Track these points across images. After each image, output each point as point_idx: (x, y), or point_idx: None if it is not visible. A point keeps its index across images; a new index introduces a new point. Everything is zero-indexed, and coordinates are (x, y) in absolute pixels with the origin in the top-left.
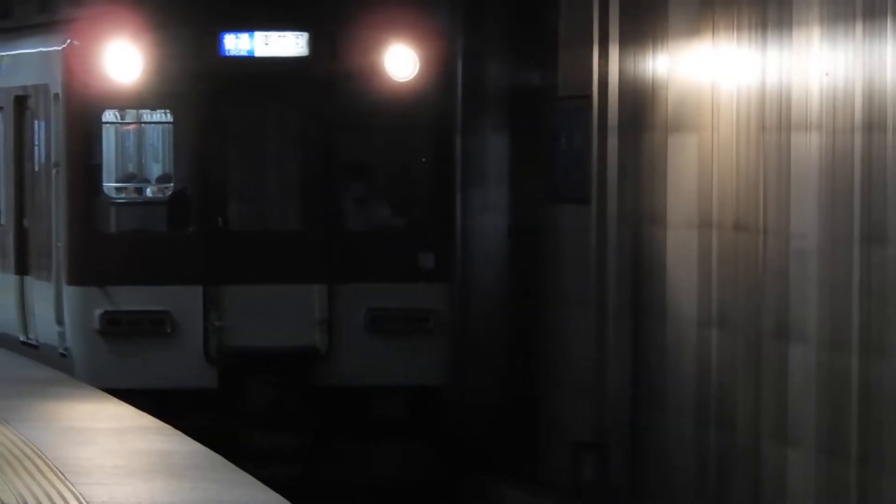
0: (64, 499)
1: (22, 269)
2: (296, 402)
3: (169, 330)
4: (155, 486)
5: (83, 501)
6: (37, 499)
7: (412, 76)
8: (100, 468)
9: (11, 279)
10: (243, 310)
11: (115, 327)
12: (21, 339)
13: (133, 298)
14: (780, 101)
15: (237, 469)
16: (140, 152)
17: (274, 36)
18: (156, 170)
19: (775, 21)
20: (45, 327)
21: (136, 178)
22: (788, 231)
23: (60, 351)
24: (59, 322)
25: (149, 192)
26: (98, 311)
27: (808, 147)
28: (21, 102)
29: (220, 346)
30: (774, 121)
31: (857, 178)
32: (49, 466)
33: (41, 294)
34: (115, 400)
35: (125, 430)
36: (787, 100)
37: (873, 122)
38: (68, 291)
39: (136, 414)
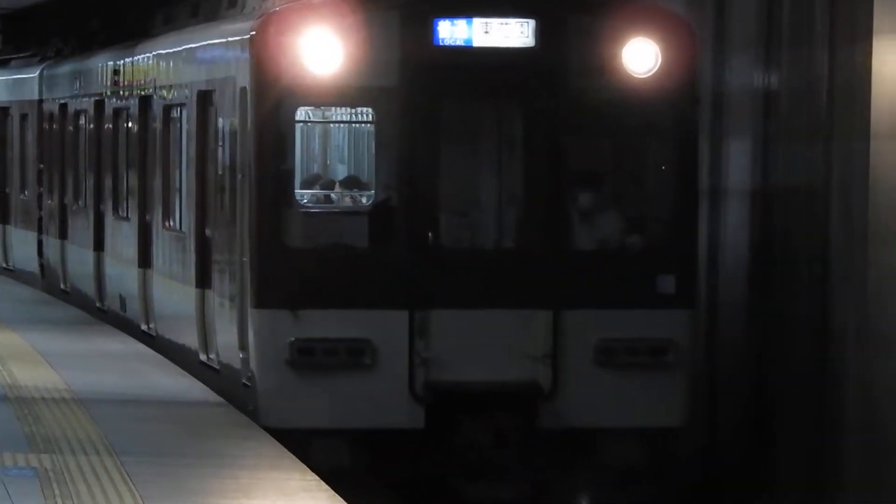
0: None
1: (203, 282)
2: (514, 447)
3: (369, 361)
4: None
5: None
6: None
7: (653, 72)
8: None
9: (192, 293)
10: (455, 339)
11: (308, 357)
12: (201, 358)
13: (328, 324)
14: None
15: None
16: (333, 155)
17: (495, 23)
18: (344, 173)
19: None
20: (227, 349)
21: (322, 182)
22: None
23: (243, 381)
24: (243, 347)
25: (347, 200)
26: (288, 339)
27: None
28: (205, 98)
29: (427, 380)
30: None
31: None
32: None
33: (223, 312)
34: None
35: None
36: None
37: None
38: (254, 314)
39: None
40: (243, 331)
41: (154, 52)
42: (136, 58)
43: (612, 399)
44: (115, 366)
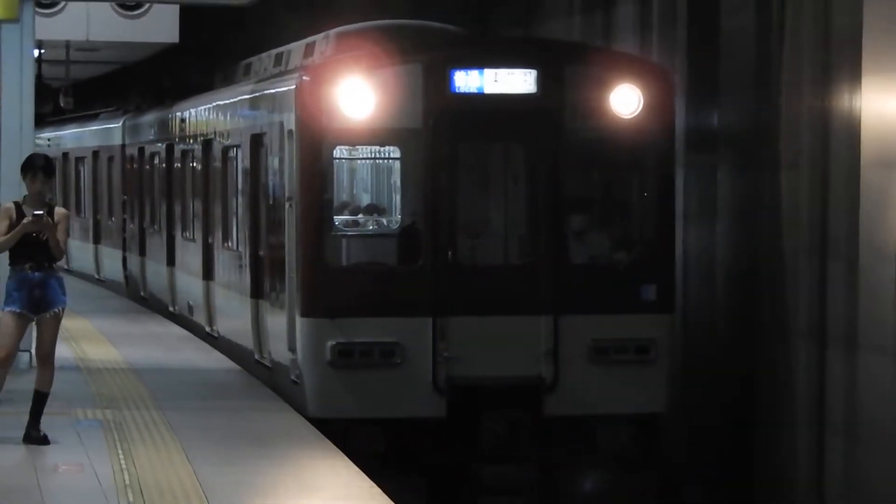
0: None
1: (257, 293)
2: (524, 433)
3: (399, 360)
4: None
5: None
6: None
7: (636, 114)
8: None
9: (248, 302)
10: (471, 340)
11: (347, 358)
12: (255, 357)
13: (364, 330)
14: None
15: None
16: (363, 186)
17: (503, 73)
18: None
19: None
20: (277, 350)
21: (350, 208)
22: None
23: (292, 378)
24: (292, 349)
25: (370, 224)
26: (330, 343)
27: None
28: (257, 140)
29: (448, 376)
30: None
31: None
32: None
33: (274, 319)
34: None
35: None
36: None
37: None
38: (301, 323)
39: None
40: (292, 335)
41: (214, 104)
42: (199, 108)
43: (604, 390)
44: (159, 343)
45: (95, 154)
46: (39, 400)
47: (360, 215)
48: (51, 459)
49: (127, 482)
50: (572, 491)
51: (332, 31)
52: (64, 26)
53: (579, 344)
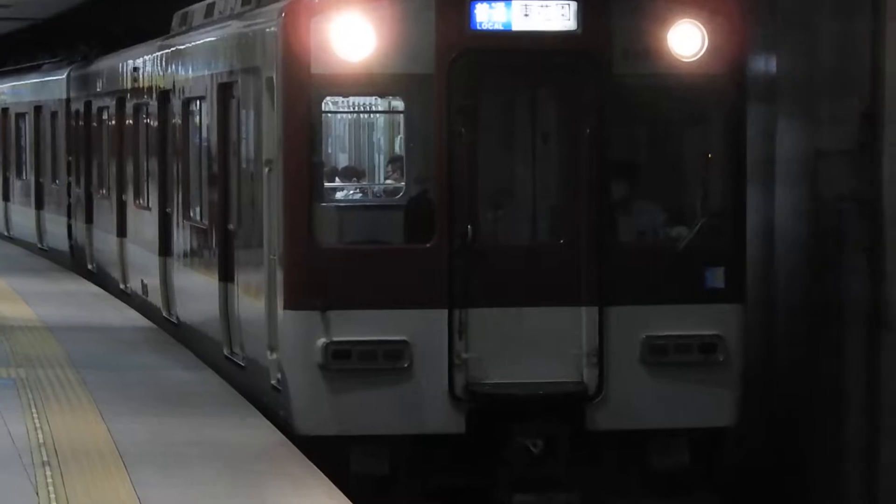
0: None
1: (225, 276)
2: (561, 452)
3: (406, 364)
4: None
5: None
6: None
7: (699, 56)
8: None
9: (215, 286)
10: (496, 339)
11: (342, 361)
12: (224, 353)
13: (364, 325)
14: None
15: None
16: (361, 146)
17: (535, 5)
18: (376, 165)
19: None
20: (253, 347)
21: (351, 173)
22: None
23: (272, 383)
24: (272, 348)
25: (376, 193)
26: (321, 342)
27: None
28: (225, 90)
29: (468, 382)
30: None
31: None
32: None
33: (248, 309)
34: None
35: None
36: None
37: None
38: (285, 317)
39: None
40: (272, 331)
41: (172, 49)
42: (155, 55)
43: (661, 399)
44: (74, 301)
45: (38, 109)
46: None
47: (355, 180)
48: None
49: (41, 441)
50: None
51: None
52: None
53: (630, 342)
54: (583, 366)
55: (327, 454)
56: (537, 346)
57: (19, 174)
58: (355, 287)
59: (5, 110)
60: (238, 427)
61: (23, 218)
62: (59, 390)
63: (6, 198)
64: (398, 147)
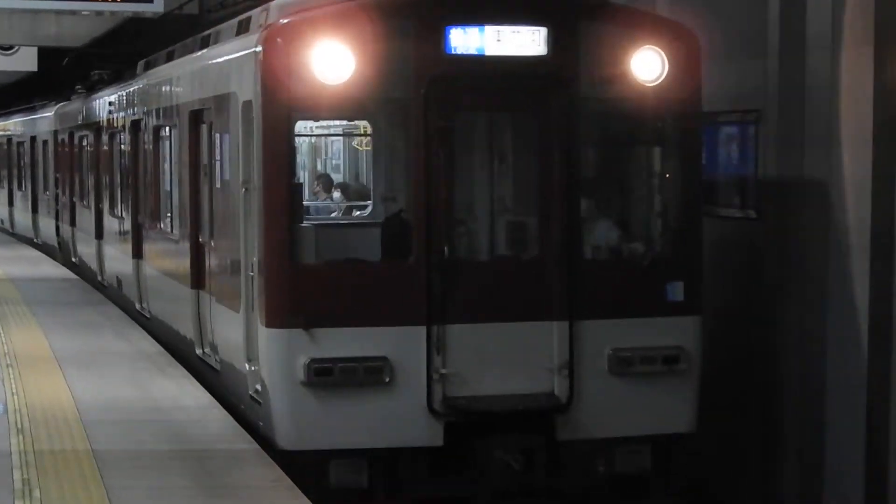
0: None
1: (198, 283)
2: (538, 462)
3: (387, 379)
4: None
5: None
6: None
7: (660, 80)
8: None
9: (186, 289)
10: (473, 354)
11: (325, 377)
12: (197, 352)
13: (345, 343)
14: None
15: None
16: (339, 167)
17: (507, 31)
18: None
19: None
20: (226, 351)
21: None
22: None
23: (251, 393)
24: (251, 359)
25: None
26: (303, 359)
27: None
28: (197, 117)
29: (445, 396)
30: None
31: None
32: None
33: (222, 317)
34: None
35: None
36: None
37: None
38: (266, 335)
39: None
40: (251, 345)
41: (139, 85)
42: (123, 91)
43: (626, 408)
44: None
45: (33, 139)
46: None
47: (336, 194)
48: None
49: (6, 350)
50: None
51: (272, 3)
52: None
53: (598, 355)
54: (554, 378)
55: (307, 467)
56: (511, 361)
57: (20, 186)
58: (335, 305)
59: (10, 140)
60: (127, 340)
61: (23, 219)
62: (19, 318)
63: (11, 203)
64: (377, 167)
